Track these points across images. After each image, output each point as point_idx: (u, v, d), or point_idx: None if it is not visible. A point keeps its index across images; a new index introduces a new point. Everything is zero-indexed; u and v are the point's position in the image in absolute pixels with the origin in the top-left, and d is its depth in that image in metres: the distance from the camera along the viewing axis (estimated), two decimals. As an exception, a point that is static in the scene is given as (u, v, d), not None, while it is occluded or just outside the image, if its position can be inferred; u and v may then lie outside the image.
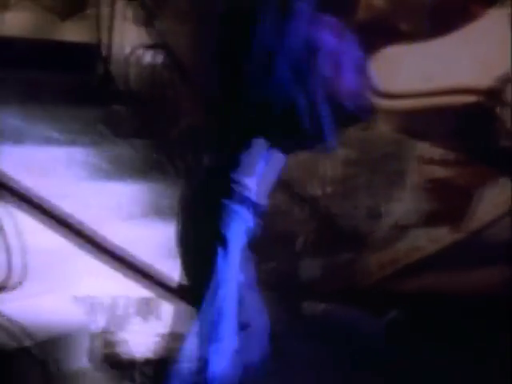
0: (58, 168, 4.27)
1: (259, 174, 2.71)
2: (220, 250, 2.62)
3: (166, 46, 4.66)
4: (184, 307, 3.32)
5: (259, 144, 2.70)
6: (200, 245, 2.67)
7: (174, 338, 3.65)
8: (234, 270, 2.68)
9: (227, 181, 2.63)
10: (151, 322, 3.71)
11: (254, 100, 2.65)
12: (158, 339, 3.64)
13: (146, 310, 3.69)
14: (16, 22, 5.15)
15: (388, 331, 4.37)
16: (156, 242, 4.00)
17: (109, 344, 3.55)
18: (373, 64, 2.99)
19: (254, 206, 2.68)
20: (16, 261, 3.19)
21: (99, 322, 3.58)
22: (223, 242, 2.62)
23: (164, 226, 4.13)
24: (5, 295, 3.27)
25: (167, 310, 3.64)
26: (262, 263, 4.45)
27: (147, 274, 3.37)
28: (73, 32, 5.34)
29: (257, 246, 4.62)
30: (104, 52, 4.95)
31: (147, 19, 4.82)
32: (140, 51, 4.79)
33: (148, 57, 4.80)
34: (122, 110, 4.85)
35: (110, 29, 4.94)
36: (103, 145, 4.54)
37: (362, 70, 2.81)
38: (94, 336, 3.50)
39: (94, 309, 3.60)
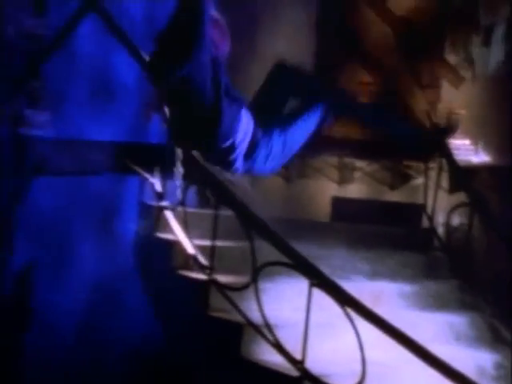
0: (384, 298, 5.16)
1: None
2: None
3: (479, 204, 5.45)
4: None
5: None
6: None
7: None
8: None
9: None
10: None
11: None
12: None
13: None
14: (356, 190, 6.83)
15: None
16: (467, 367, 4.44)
17: None
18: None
19: None
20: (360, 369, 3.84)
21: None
22: None
23: (474, 353, 4.95)
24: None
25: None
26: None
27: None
28: (398, 196, 6.77)
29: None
30: (428, 211, 6.01)
31: (459, 187, 5.75)
32: (456, 210, 5.68)
33: (462, 214, 5.69)
34: (441, 256, 5.83)
35: (434, 195, 5.98)
36: (425, 283, 5.47)
37: None
38: None
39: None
